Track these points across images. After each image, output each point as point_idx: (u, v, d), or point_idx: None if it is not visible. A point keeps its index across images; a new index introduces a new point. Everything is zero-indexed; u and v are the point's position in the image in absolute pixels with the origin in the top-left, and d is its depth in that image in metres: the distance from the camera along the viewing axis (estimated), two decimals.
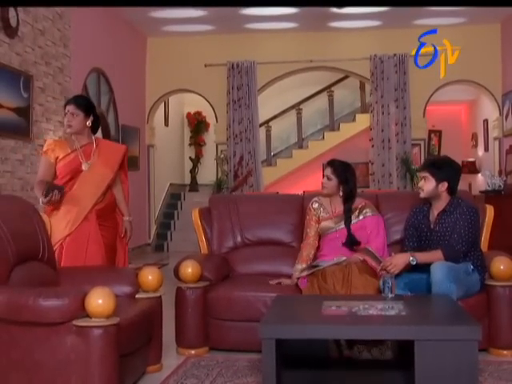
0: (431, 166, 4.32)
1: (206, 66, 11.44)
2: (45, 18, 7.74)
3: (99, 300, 3.04)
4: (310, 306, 3.76)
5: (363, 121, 12.36)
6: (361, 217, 4.58)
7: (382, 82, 11.16)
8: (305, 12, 10.16)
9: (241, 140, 11.33)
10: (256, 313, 4.18)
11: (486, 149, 12.18)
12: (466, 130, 13.87)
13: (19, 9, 7.01)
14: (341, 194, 4.59)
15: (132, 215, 4.82)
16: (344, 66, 11.53)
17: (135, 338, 3.53)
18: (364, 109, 13.07)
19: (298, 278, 4.47)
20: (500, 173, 10.52)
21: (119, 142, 9.42)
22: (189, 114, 14.27)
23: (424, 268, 4.05)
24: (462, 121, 14.17)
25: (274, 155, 13.75)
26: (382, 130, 11.18)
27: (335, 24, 10.93)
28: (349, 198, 4.59)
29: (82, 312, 3.06)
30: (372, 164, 11.28)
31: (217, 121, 11.74)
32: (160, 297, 4.00)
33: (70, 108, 4.54)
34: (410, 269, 4.10)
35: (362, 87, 13.10)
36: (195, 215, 5.07)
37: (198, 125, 14.14)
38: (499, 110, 11.06)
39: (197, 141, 14.20)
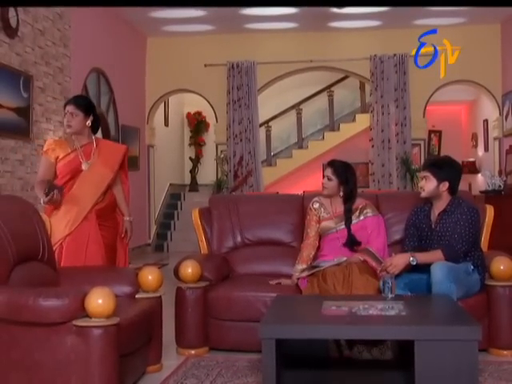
0: (432, 166, 4.33)
1: (205, 65, 11.43)
2: (45, 18, 7.74)
3: (99, 300, 3.04)
4: (310, 306, 3.76)
5: (363, 121, 12.36)
6: (361, 217, 4.58)
7: (381, 82, 11.16)
8: (305, 12, 10.16)
9: (241, 140, 11.32)
10: (256, 313, 4.18)
11: (486, 149, 12.17)
12: (466, 130, 13.86)
13: (19, 9, 7.01)
14: (341, 194, 4.59)
15: (132, 215, 4.82)
16: (344, 66, 11.52)
17: (135, 338, 3.52)
18: (364, 109, 13.06)
19: (298, 279, 4.46)
20: (500, 173, 10.51)
21: (119, 142, 9.42)
22: (189, 114, 14.25)
23: (424, 268, 4.05)
24: (461, 121, 14.16)
25: (273, 155, 13.75)
26: (382, 130, 11.17)
27: (335, 24, 10.93)
28: (349, 199, 4.59)
29: (82, 312, 3.06)
30: (372, 164, 11.27)
31: (217, 121, 11.74)
32: (160, 297, 4.00)
33: (70, 108, 4.54)
34: (410, 269, 4.10)
35: (362, 87, 13.10)
36: (195, 215, 5.07)
37: (197, 125, 14.13)
38: (499, 110, 11.06)
39: (197, 141, 14.18)
